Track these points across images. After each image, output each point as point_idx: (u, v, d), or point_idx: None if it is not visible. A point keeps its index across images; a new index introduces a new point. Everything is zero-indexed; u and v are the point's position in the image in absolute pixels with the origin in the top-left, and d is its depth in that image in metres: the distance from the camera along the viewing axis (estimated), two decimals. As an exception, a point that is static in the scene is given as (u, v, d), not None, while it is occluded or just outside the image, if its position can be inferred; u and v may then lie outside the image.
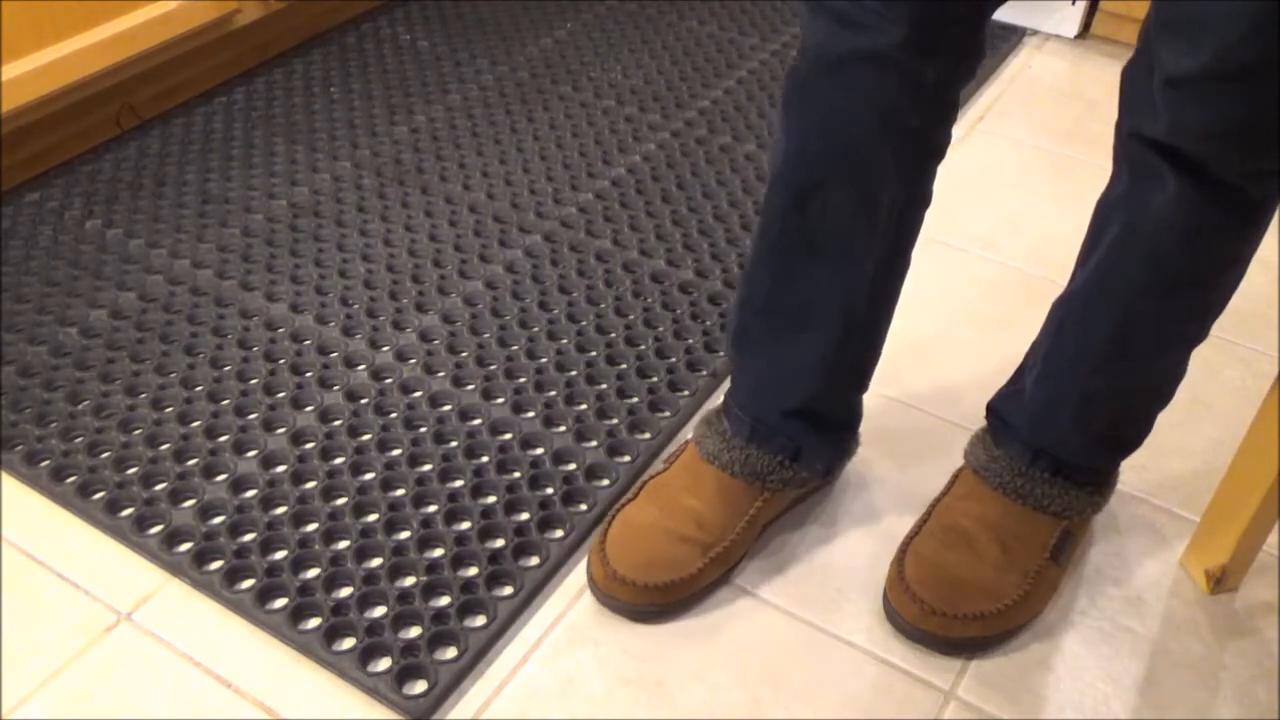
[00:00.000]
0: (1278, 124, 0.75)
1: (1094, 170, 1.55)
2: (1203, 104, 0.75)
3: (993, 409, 1.03)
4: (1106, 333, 0.91)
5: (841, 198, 0.88)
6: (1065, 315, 0.94)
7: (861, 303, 0.95)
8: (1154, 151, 0.81)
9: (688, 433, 1.16)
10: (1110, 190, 0.89)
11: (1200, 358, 1.29)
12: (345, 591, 0.98)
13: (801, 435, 1.00)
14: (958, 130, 1.64)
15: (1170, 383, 0.96)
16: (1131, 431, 0.99)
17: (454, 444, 1.12)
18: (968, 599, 0.95)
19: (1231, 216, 0.83)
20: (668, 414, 1.17)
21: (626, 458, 1.12)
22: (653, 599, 0.97)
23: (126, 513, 1.04)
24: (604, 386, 1.19)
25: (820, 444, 1.02)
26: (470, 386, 1.19)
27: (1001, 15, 1.93)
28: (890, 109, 0.84)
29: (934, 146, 0.91)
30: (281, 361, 1.21)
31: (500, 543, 1.03)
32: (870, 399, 1.21)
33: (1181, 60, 0.74)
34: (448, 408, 1.16)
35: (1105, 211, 0.90)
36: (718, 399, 1.20)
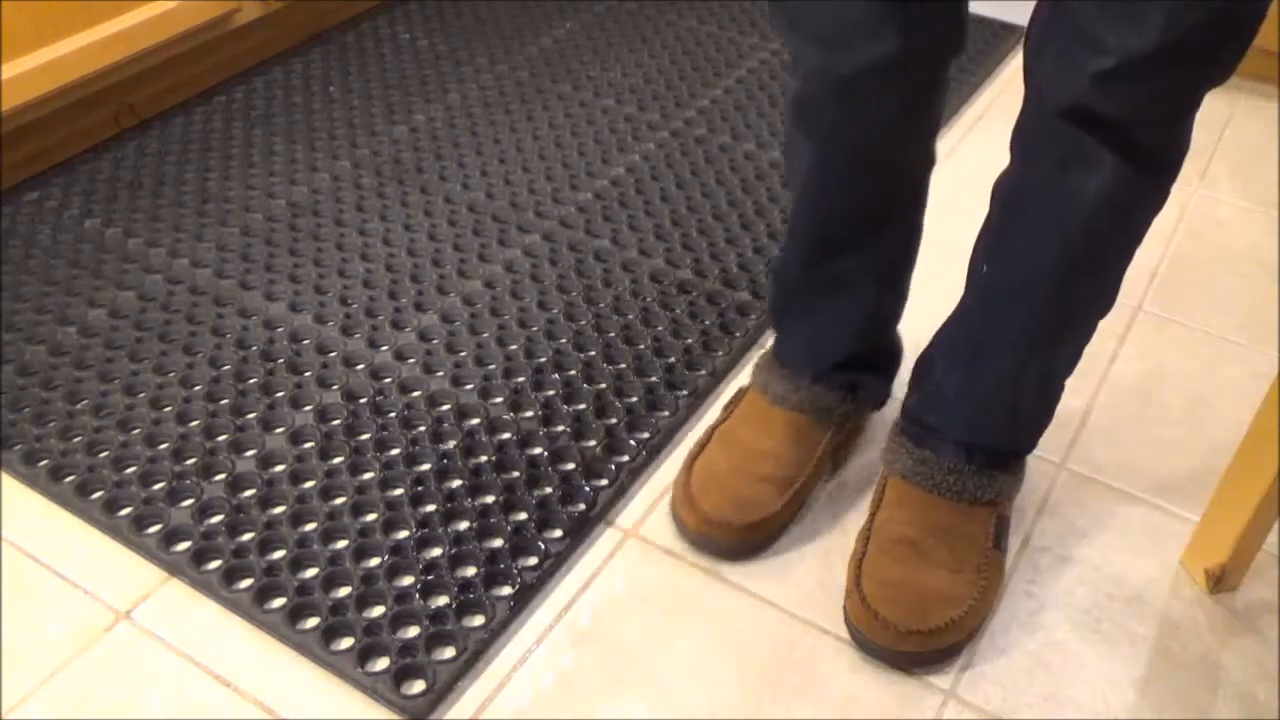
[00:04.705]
0: (1204, 81, 0.77)
1: (1094, 170, 1.54)
2: (1155, 76, 0.75)
3: (913, 417, 1.02)
4: (1045, 323, 0.92)
5: (863, 198, 0.96)
6: (993, 312, 0.94)
7: (891, 269, 1.04)
8: (1088, 132, 0.80)
9: (688, 431, 1.16)
10: (1018, 175, 0.89)
11: (1200, 358, 1.30)
12: (344, 591, 0.98)
13: (856, 375, 1.08)
14: (958, 130, 1.65)
15: (1080, 353, 0.98)
16: (1053, 407, 1.01)
17: (452, 443, 1.12)
18: (935, 610, 0.95)
19: (1156, 184, 0.85)
20: (666, 413, 1.17)
21: (625, 457, 1.12)
22: (745, 538, 1.03)
23: (125, 512, 1.04)
24: (602, 386, 1.19)
25: (873, 379, 1.10)
26: (469, 386, 1.19)
27: (1000, 14, 1.93)
28: (899, 112, 0.89)
29: (937, 121, 0.96)
30: (280, 361, 1.21)
31: (499, 542, 1.03)
32: (870, 398, 1.21)
33: (1129, 41, 0.73)
34: (446, 407, 1.16)
35: (1015, 198, 0.90)
36: (719, 396, 1.20)
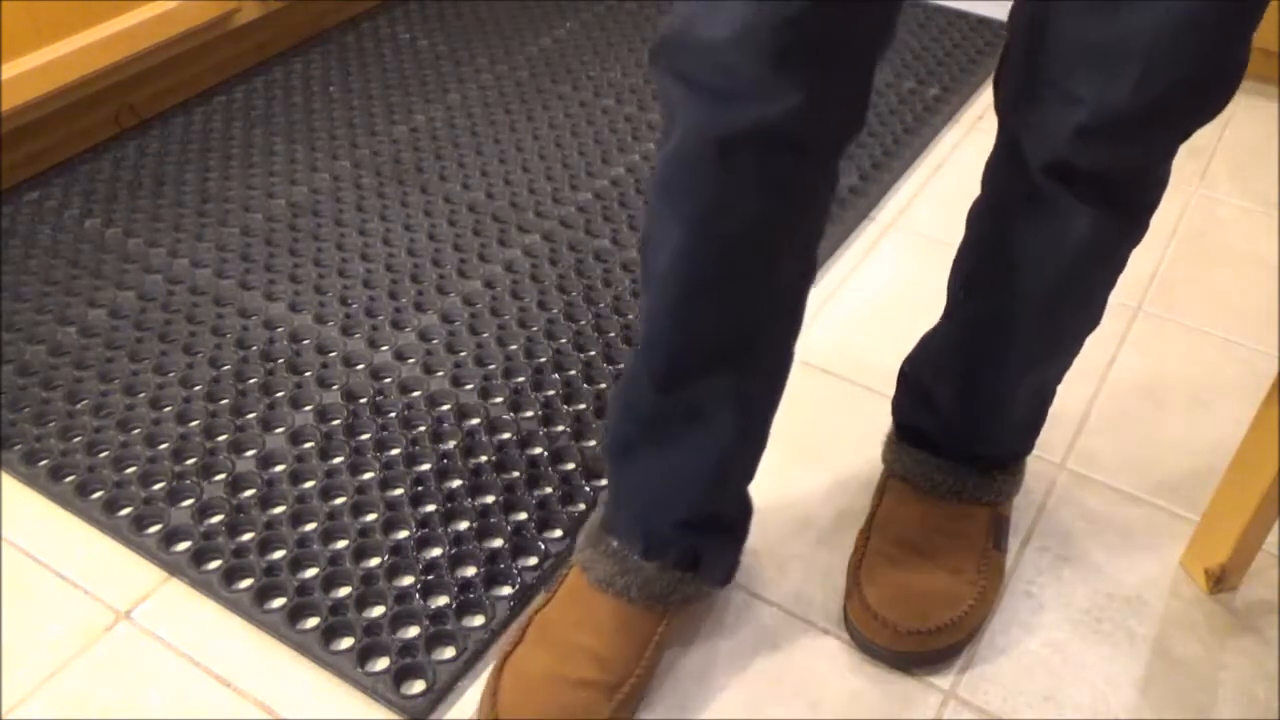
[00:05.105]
0: (1188, 128, 0.76)
1: (1094, 170, 1.54)
2: (1137, 130, 0.74)
3: (907, 426, 1.02)
4: (1031, 348, 0.91)
5: (738, 292, 0.79)
6: (976, 340, 0.93)
7: (756, 401, 0.86)
8: (1069, 186, 0.79)
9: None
10: (995, 220, 0.87)
11: (1200, 358, 1.30)
12: (343, 591, 0.98)
13: (698, 541, 0.90)
14: (960, 130, 1.65)
15: (1070, 364, 0.97)
16: (1046, 411, 1.01)
17: (452, 443, 1.12)
18: (935, 610, 0.95)
19: (1137, 223, 0.85)
20: (667, 413, 1.16)
21: (625, 457, 1.12)
22: None
23: (125, 512, 1.04)
24: (602, 386, 1.19)
25: (719, 547, 0.93)
26: (469, 386, 1.19)
27: (1000, 14, 1.93)
28: (786, 189, 0.74)
29: (821, 223, 0.81)
30: (280, 361, 1.21)
31: (499, 542, 1.03)
32: (871, 400, 1.21)
33: (1107, 95, 0.71)
34: (446, 407, 1.16)
35: (992, 241, 0.88)
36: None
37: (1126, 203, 0.82)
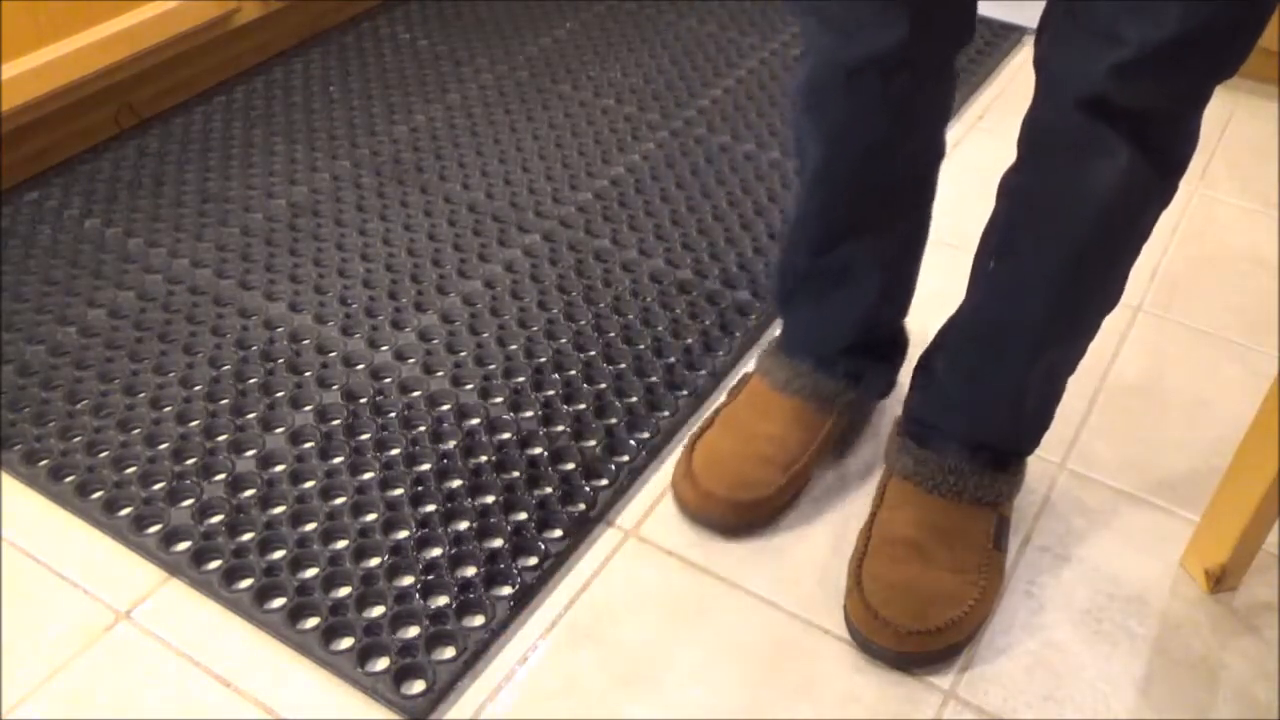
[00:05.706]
0: (1220, 69, 0.77)
1: (1094, 169, 1.54)
2: (1173, 66, 0.76)
3: (915, 417, 1.03)
4: (1052, 322, 0.92)
5: (875, 185, 0.97)
6: (999, 311, 0.94)
7: (898, 258, 1.05)
8: (1105, 122, 0.80)
9: (688, 431, 1.16)
10: (1028, 171, 0.89)
11: (1200, 357, 1.30)
12: (344, 591, 0.98)
13: (860, 363, 1.09)
14: (960, 129, 1.65)
15: (1085, 350, 0.98)
16: (1054, 406, 1.01)
17: (452, 443, 1.12)
18: (936, 610, 0.95)
19: (1166, 180, 0.85)
20: (666, 413, 1.17)
21: (624, 457, 1.12)
22: (744, 515, 1.04)
23: (125, 512, 1.04)
24: (602, 386, 1.19)
25: (878, 367, 1.11)
26: (469, 386, 1.19)
27: (1001, 14, 1.93)
28: (905, 105, 0.90)
29: (944, 111, 0.97)
30: (280, 361, 1.21)
31: (499, 542, 1.03)
32: (870, 398, 1.21)
33: (1148, 33, 0.74)
34: (446, 407, 1.16)
35: (1024, 195, 0.89)
36: (717, 399, 1.20)
37: (1158, 147, 0.82)
